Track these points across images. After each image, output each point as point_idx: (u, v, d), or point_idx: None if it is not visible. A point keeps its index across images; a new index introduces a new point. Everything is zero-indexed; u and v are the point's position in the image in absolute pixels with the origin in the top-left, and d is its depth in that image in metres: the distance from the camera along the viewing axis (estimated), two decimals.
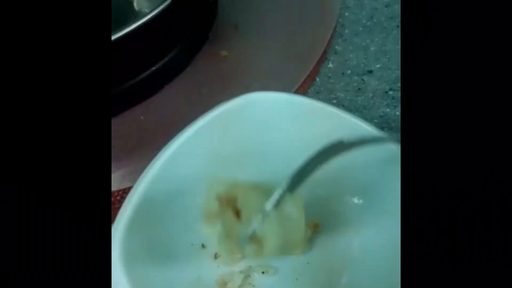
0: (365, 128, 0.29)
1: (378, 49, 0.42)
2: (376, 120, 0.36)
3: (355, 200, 0.28)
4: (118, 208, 0.32)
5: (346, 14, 0.45)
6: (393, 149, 0.26)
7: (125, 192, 0.32)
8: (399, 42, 0.41)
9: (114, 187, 0.33)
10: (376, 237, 0.26)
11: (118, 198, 0.32)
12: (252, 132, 0.30)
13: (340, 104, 0.38)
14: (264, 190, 0.26)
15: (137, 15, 0.35)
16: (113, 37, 0.33)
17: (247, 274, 0.26)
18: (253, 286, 0.26)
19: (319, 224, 0.28)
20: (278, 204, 0.25)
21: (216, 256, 0.27)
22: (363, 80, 0.39)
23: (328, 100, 0.37)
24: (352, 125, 0.30)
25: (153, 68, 0.38)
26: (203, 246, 0.27)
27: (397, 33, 0.42)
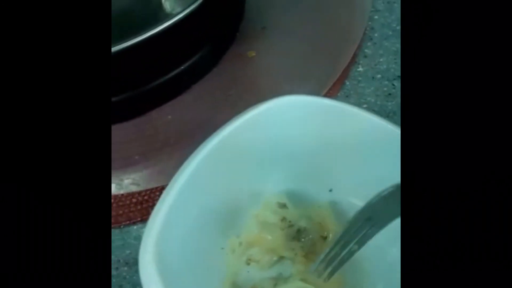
0: (399, 134, 0.28)
1: None
2: None
3: None
4: (146, 208, 0.32)
5: (376, 17, 0.44)
6: None
7: (152, 192, 0.32)
8: None
9: (141, 187, 0.32)
10: None
11: (145, 197, 0.32)
12: (284, 136, 0.29)
13: (370, 108, 0.37)
14: None
15: (167, 16, 0.34)
16: (142, 38, 0.33)
17: (277, 280, 0.26)
18: None
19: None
20: None
21: (247, 262, 0.27)
22: (393, 85, 0.39)
23: (358, 105, 0.37)
24: (385, 130, 0.29)
25: (181, 67, 0.38)
26: (233, 251, 0.27)
27: None
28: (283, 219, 0.27)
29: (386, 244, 0.26)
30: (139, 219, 0.32)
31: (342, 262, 0.24)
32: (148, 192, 0.32)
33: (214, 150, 0.26)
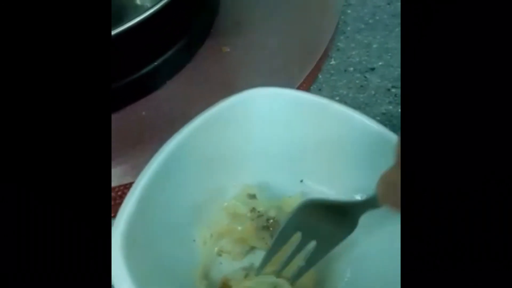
0: (369, 125, 0.29)
1: (380, 46, 0.41)
2: (378, 118, 0.36)
3: None
4: (119, 204, 0.32)
5: (349, 11, 0.45)
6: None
7: (126, 187, 0.32)
8: None
9: (115, 182, 0.32)
10: None
11: (119, 193, 0.32)
12: (254, 128, 0.30)
13: (342, 101, 0.37)
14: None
15: (139, 10, 0.34)
16: (114, 32, 0.32)
17: (249, 270, 0.26)
18: None
19: None
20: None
21: (218, 253, 0.27)
22: (365, 77, 0.39)
23: (330, 97, 0.37)
24: (356, 122, 0.29)
25: (155, 63, 0.38)
26: (204, 243, 0.27)
27: (399, 31, 0.42)
28: (253, 209, 0.27)
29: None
30: (112, 215, 0.32)
31: (300, 274, 0.25)
32: (121, 188, 0.32)
33: (182, 144, 0.26)
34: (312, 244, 0.25)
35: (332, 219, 0.24)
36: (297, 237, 0.25)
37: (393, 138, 0.27)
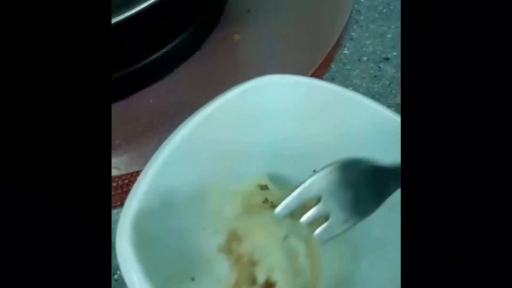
0: (386, 114, 0.28)
1: (394, 36, 0.40)
2: (393, 109, 0.35)
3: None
4: (126, 192, 0.31)
5: (362, 0, 0.44)
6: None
7: (132, 175, 0.31)
8: None
9: (122, 170, 0.32)
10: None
11: (126, 181, 0.31)
12: (266, 116, 0.29)
13: (356, 91, 0.36)
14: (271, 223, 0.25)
15: None
16: (119, 19, 0.32)
17: None
18: None
19: None
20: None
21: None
22: (379, 67, 0.38)
23: (343, 87, 0.36)
24: (370, 110, 0.28)
25: (163, 50, 0.37)
26: (216, 232, 0.26)
27: None
28: (265, 200, 0.26)
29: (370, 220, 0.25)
30: (119, 203, 0.31)
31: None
32: (128, 176, 0.31)
33: (192, 133, 0.25)
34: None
35: (361, 189, 0.23)
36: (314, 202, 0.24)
37: None
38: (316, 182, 0.25)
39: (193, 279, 0.24)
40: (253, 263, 0.23)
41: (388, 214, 0.25)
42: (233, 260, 0.24)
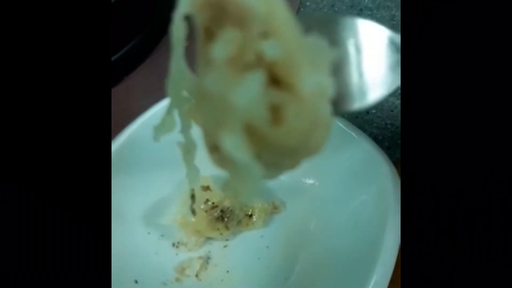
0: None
1: None
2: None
3: (311, 181, 0.28)
4: None
5: (308, 3, 0.45)
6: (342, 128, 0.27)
7: None
8: None
9: None
10: (330, 216, 0.26)
11: None
12: None
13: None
14: None
15: None
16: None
17: (206, 259, 0.27)
18: (216, 265, 0.26)
19: (279, 206, 0.29)
20: None
21: (175, 245, 0.27)
22: None
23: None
24: None
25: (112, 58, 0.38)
26: (162, 235, 0.27)
27: None
28: (206, 201, 0.27)
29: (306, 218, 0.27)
30: None
31: None
32: None
33: (131, 139, 0.26)
34: None
35: None
36: None
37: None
38: None
39: (136, 281, 0.25)
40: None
41: (321, 210, 0.27)
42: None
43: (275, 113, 0.13)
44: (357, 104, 0.20)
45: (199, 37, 0.14)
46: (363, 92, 0.20)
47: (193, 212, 0.27)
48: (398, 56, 0.20)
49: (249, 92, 0.12)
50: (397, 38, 0.20)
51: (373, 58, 0.20)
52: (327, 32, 0.20)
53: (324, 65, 0.13)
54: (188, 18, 0.14)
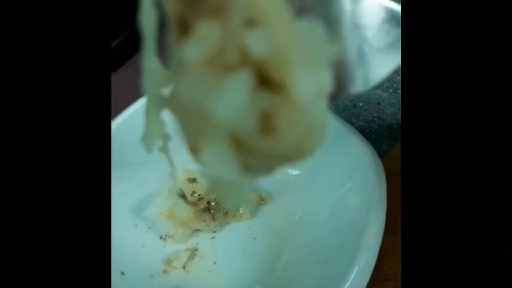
0: None
1: None
2: None
3: (297, 172, 0.29)
4: None
5: None
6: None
7: None
8: None
9: None
10: (315, 207, 0.26)
11: None
12: None
13: None
14: None
15: None
16: None
17: (193, 250, 0.27)
18: (203, 257, 0.26)
19: (265, 197, 0.29)
20: None
21: (162, 237, 0.27)
22: None
23: None
24: None
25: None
26: (149, 228, 0.27)
27: None
28: (193, 193, 0.28)
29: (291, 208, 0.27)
30: None
31: None
32: None
33: (116, 133, 0.26)
34: None
35: None
36: None
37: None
38: None
39: (122, 273, 0.25)
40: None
41: (307, 201, 0.27)
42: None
43: (265, 119, 0.11)
44: (354, 89, 0.18)
45: (171, 29, 0.12)
46: (361, 74, 0.18)
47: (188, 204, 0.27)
48: (398, 31, 0.18)
49: (232, 99, 0.10)
50: (398, 9, 0.18)
51: (371, 34, 0.18)
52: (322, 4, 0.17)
53: (322, 61, 0.11)
54: (160, 5, 0.12)
